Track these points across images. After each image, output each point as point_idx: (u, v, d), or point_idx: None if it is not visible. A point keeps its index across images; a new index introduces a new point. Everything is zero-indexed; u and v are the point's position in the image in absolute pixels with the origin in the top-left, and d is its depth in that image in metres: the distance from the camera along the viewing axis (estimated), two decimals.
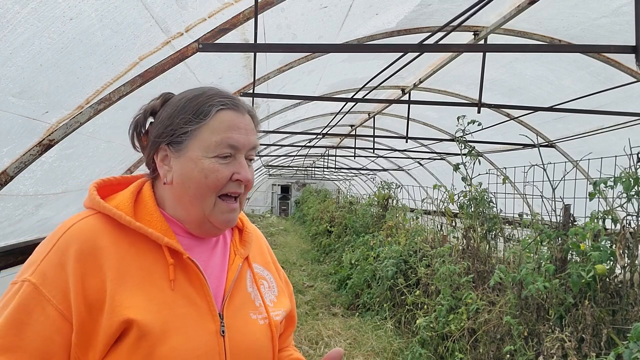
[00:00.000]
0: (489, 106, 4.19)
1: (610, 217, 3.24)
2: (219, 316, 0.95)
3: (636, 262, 2.98)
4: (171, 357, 0.86)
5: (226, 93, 1.02)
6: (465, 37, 3.97)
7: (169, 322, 0.89)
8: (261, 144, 8.70)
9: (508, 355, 3.38)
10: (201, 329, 0.92)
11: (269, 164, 15.29)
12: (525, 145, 5.49)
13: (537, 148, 4.88)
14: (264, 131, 6.92)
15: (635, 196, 2.98)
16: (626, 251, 3.00)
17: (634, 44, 2.11)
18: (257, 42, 2.58)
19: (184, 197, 0.98)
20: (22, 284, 0.85)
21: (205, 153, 0.95)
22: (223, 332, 0.94)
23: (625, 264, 3.03)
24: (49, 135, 2.29)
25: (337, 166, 14.05)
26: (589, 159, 4.09)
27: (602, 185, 3.17)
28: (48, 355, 0.83)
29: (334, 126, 7.63)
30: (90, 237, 0.89)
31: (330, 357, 0.99)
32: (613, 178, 3.08)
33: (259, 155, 10.56)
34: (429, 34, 3.52)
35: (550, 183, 3.84)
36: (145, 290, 0.89)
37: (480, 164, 4.96)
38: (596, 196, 3.26)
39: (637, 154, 3.06)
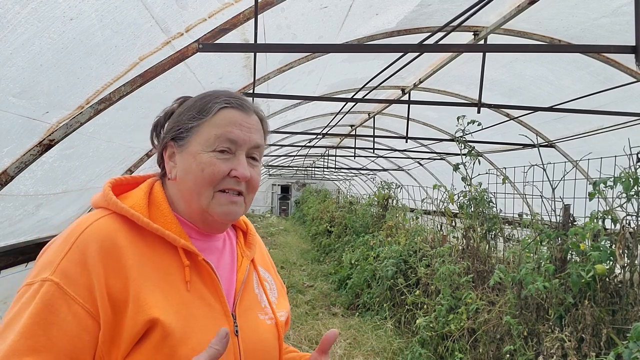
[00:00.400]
0: (489, 106, 4.19)
1: (610, 217, 3.24)
2: (232, 316, 0.97)
3: (636, 262, 2.98)
4: (192, 357, 0.86)
5: (235, 94, 1.03)
6: (465, 37, 3.97)
7: (188, 323, 0.89)
8: None
9: (508, 355, 3.38)
10: (217, 329, 0.91)
11: (269, 164, 15.29)
12: (525, 145, 5.49)
13: (537, 148, 4.88)
14: None
15: (634, 196, 2.98)
16: (626, 251, 3.00)
17: (634, 44, 2.11)
18: (257, 42, 2.58)
19: (185, 192, 1.00)
20: (43, 283, 0.83)
21: (204, 147, 0.97)
22: (237, 332, 0.96)
23: (625, 264, 3.03)
24: (49, 135, 2.29)
25: (337, 166, 14.05)
26: (588, 159, 4.09)
27: (601, 185, 3.17)
28: (76, 354, 0.82)
29: (334, 126, 7.63)
30: (109, 236, 0.89)
31: (325, 338, 1.00)
32: (613, 178, 3.09)
33: None
34: (429, 34, 3.52)
35: (550, 183, 3.84)
36: (163, 291, 0.90)
37: (480, 164, 4.96)
38: (596, 196, 3.26)
39: (637, 154, 3.06)
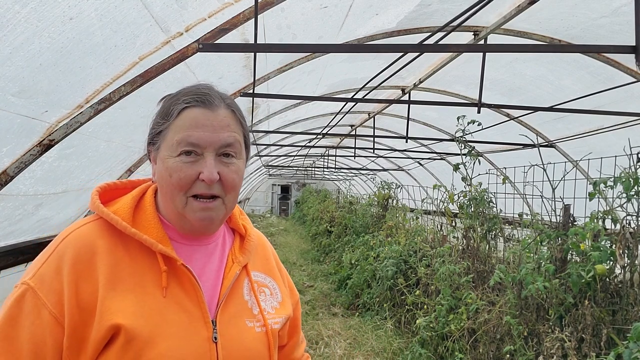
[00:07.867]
0: (489, 106, 4.19)
1: (610, 217, 3.24)
2: (212, 323, 0.95)
3: (636, 262, 2.98)
4: None
5: (197, 89, 0.99)
6: (465, 37, 3.97)
7: (158, 328, 0.89)
8: (261, 144, 8.70)
9: (508, 355, 3.38)
10: (192, 335, 0.92)
11: (269, 164, 15.28)
12: (525, 145, 5.49)
13: (537, 148, 4.88)
14: (264, 131, 6.92)
15: (635, 196, 2.98)
16: (626, 251, 2.99)
17: (634, 44, 2.11)
18: (257, 42, 2.57)
19: (163, 196, 1.00)
20: (22, 286, 0.88)
21: (170, 152, 0.95)
22: (215, 338, 0.94)
23: (625, 264, 3.03)
24: (49, 135, 2.29)
25: (337, 166, 14.04)
26: (589, 159, 4.09)
27: (602, 185, 3.17)
28: (39, 357, 0.85)
29: (334, 126, 7.64)
30: (86, 243, 0.92)
31: None
32: (613, 178, 3.08)
33: (259, 155, 10.55)
34: (429, 34, 3.52)
35: (550, 183, 3.84)
36: (136, 296, 0.90)
37: (480, 164, 4.96)
38: (596, 196, 3.25)
39: (637, 154, 3.06)
